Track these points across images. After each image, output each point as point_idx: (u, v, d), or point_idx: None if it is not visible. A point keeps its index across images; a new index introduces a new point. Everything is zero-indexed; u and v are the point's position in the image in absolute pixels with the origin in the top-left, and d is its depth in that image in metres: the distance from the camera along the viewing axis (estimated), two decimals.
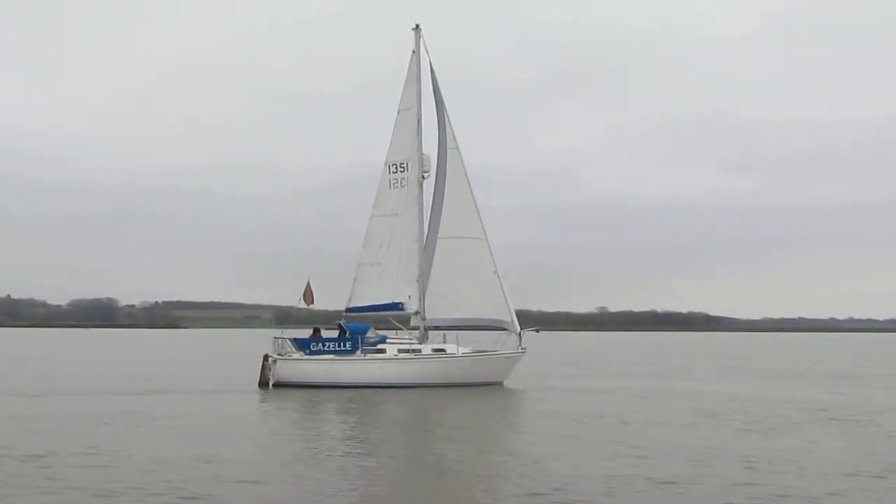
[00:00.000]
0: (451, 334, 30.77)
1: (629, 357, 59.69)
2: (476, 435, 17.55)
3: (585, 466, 13.39)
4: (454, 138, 31.83)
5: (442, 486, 12.02)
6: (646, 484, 12.02)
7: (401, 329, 31.59)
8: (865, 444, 16.42)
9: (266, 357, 29.58)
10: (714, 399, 26.00)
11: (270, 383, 29.05)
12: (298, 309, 31.58)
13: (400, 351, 29.91)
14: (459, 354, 30.12)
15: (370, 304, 31.51)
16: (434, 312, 31.15)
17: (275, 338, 30.22)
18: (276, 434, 17.65)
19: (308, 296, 30.45)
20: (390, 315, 31.73)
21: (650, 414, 21.36)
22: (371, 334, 30.26)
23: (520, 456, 14.92)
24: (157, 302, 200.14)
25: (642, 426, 18.94)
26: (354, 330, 30.20)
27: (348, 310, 31.68)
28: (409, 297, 31.49)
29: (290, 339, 29.96)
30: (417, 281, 31.50)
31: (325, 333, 30.94)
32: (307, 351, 29.74)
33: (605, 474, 12.69)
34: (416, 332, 31.12)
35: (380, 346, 29.95)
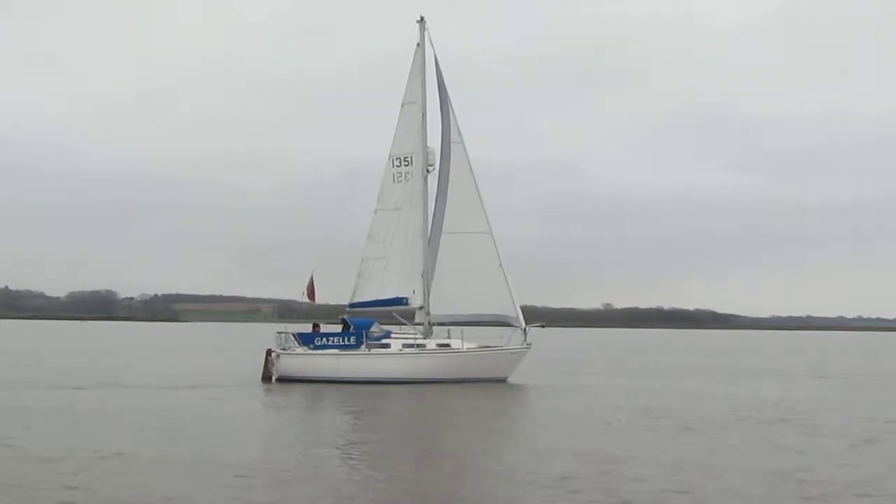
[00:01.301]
0: (455, 330, 30.90)
1: (641, 355, 59.70)
2: (486, 435, 17.45)
3: (598, 466, 13.28)
4: (459, 132, 31.90)
5: (453, 486, 11.89)
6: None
7: (405, 324, 31.72)
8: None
9: (269, 352, 29.76)
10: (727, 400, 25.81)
11: (274, 378, 29.24)
12: (300, 303, 31.78)
13: (404, 346, 30.03)
14: (464, 350, 30.23)
15: (374, 299, 31.66)
16: (438, 308, 31.27)
17: (278, 332, 30.39)
18: (277, 432, 17.61)
19: (310, 292, 30.58)
20: (394, 310, 31.85)
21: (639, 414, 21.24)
22: (375, 329, 30.39)
23: (529, 449, 14.97)
24: (156, 295, 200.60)
25: (631, 425, 18.80)
26: (358, 325, 30.36)
27: (352, 305, 31.82)
28: (414, 291, 31.62)
29: (293, 334, 30.16)
30: (422, 276, 31.63)
31: (324, 329, 31.08)
32: (311, 346, 29.95)
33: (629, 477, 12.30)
34: (421, 327, 31.28)
35: (384, 342, 30.05)
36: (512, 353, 30.90)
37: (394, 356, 29.80)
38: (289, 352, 29.88)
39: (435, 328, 31.29)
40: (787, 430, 18.07)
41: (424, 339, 30.73)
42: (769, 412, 21.36)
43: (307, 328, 30.86)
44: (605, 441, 16.19)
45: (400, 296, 31.63)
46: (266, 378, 29.35)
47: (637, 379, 34.14)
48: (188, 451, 14.38)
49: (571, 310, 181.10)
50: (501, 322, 31.41)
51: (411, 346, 30.05)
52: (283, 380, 28.88)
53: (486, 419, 20.21)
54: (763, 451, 15.10)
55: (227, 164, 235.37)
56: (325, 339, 30.07)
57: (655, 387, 30.13)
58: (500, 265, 31.38)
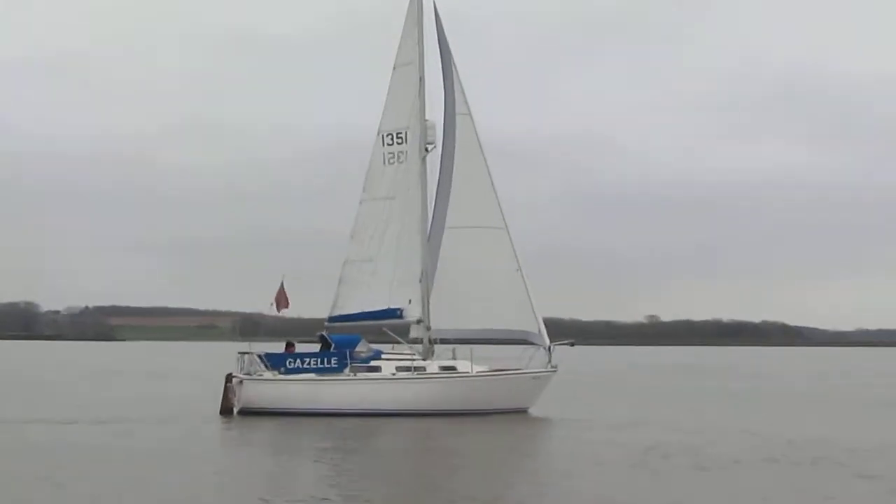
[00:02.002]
0: (462, 348, 31.11)
1: (689, 378, 59.71)
2: (502, 487, 17.19)
3: None
4: (465, 101, 32.04)
5: None
6: None
7: (399, 342, 31.79)
8: None
9: (229, 377, 29.97)
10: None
11: (235, 409, 29.47)
12: (267, 317, 31.99)
13: (398, 369, 30.19)
14: (474, 374, 30.34)
15: (360, 310, 31.83)
16: (441, 321, 31.40)
17: (240, 353, 30.53)
18: (236, 483, 17.45)
19: (281, 299, 30.77)
20: (385, 325, 32.04)
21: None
22: (362, 348, 30.56)
23: None
24: (87, 307, 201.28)
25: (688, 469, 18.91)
26: (341, 343, 30.51)
27: (332, 318, 32.01)
28: (410, 301, 31.74)
29: (259, 355, 30.29)
30: (420, 281, 31.74)
31: (299, 348, 31.28)
32: (282, 369, 30.10)
33: None
34: (419, 345, 31.49)
35: (373, 364, 30.25)
36: (533, 378, 31.05)
37: (385, 382, 29.94)
38: (254, 377, 30.02)
39: (437, 347, 31.52)
40: (820, 473, 18.65)
41: (424, 360, 30.87)
42: (810, 451, 21.78)
43: (277, 347, 31.09)
44: (647, 494, 16.28)
45: (393, 307, 31.72)
46: (226, 410, 29.51)
47: (682, 409, 34.20)
48: None
49: (608, 323, 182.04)
50: (520, 339, 31.62)
51: (407, 369, 30.21)
52: (248, 412, 29.21)
53: (500, 465, 20.22)
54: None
55: (174, 138, 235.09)
56: (299, 360, 30.18)
57: (702, 420, 30.18)
58: (518, 268, 31.55)
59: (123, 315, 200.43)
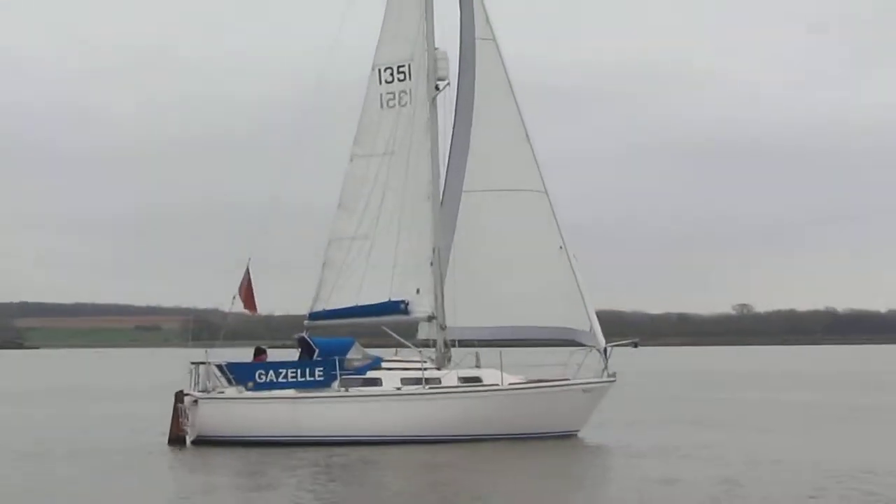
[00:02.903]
0: (488, 353, 31.15)
1: (795, 388, 59.30)
2: None
3: None
4: (488, 21, 32.19)
5: None
6: None
7: (405, 346, 32.14)
8: None
9: (179, 396, 30.23)
10: None
11: (188, 438, 29.82)
12: (228, 315, 32.34)
13: (405, 382, 30.41)
14: (505, 387, 30.50)
15: (351, 304, 32.18)
16: (460, 317, 31.65)
17: (193, 363, 30.84)
18: None
19: (247, 296, 31.10)
20: (386, 323, 32.32)
21: None
22: (356, 355, 30.84)
23: None
24: None
25: None
26: (327, 348, 30.77)
27: (315, 315, 32.35)
28: (418, 291, 32.07)
29: (219, 366, 30.57)
30: (431, 265, 32.05)
31: (272, 356, 31.64)
32: (250, 384, 30.32)
33: None
34: (431, 349, 31.75)
35: (371, 375, 30.49)
36: (584, 392, 31.20)
37: (387, 400, 30.10)
38: (213, 395, 30.25)
39: (454, 351, 31.81)
40: None
41: (438, 369, 31.12)
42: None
43: (243, 356, 31.23)
44: None
45: (395, 298, 32.04)
46: (175, 439, 29.80)
47: (782, 435, 34.15)
48: None
49: (683, 317, 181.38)
50: (565, 340, 31.92)
51: (416, 381, 30.39)
52: (204, 441, 29.50)
53: None
54: None
55: (99, 78, 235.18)
56: (272, 372, 30.41)
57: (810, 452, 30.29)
58: (563, 245, 31.68)
59: (34, 315, 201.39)
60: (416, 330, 32.27)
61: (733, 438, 32.06)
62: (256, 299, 31.42)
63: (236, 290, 31.18)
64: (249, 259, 31.32)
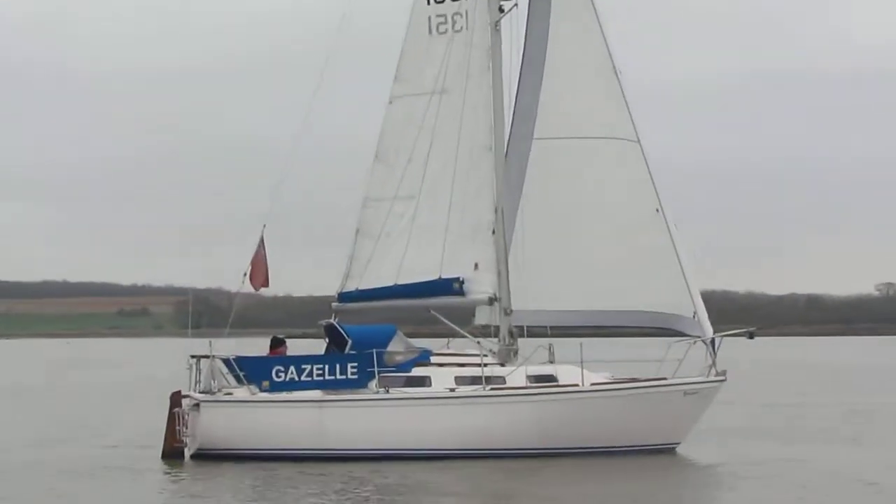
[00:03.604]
0: (563, 344, 31.35)
1: None
2: None
3: None
4: None
5: None
6: None
7: (460, 335, 32.37)
8: None
9: (177, 398, 30.32)
10: None
11: (187, 451, 29.93)
12: (236, 297, 32.81)
13: (459, 382, 30.31)
14: (587, 388, 30.44)
15: (391, 283, 32.36)
16: (530, 299, 31.67)
17: (193, 357, 30.92)
18: None
19: (259, 273, 31.23)
20: (435, 306, 32.44)
21: None
22: (398, 347, 30.88)
23: None
24: None
25: None
26: (363, 338, 30.84)
27: (345, 296, 32.52)
28: (476, 266, 32.06)
29: (227, 360, 30.57)
30: (493, 233, 32.07)
31: (293, 349, 31.69)
32: (266, 384, 30.35)
33: None
34: (493, 340, 31.77)
35: (417, 373, 30.45)
36: (687, 394, 31.03)
37: (438, 404, 30.09)
38: (218, 398, 30.29)
39: (522, 342, 31.83)
40: None
41: (502, 365, 31.01)
42: None
43: (256, 347, 31.46)
44: None
45: (447, 276, 32.05)
46: (171, 452, 29.98)
47: None
48: None
49: (812, 298, 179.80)
50: (662, 328, 32.06)
51: (473, 381, 30.31)
52: (207, 455, 29.67)
53: None
54: None
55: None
56: (293, 369, 30.43)
57: None
58: (659, 208, 31.72)
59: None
60: (473, 315, 32.39)
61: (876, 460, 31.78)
62: (267, 280, 31.67)
63: (247, 266, 31.29)
64: (264, 226, 31.40)
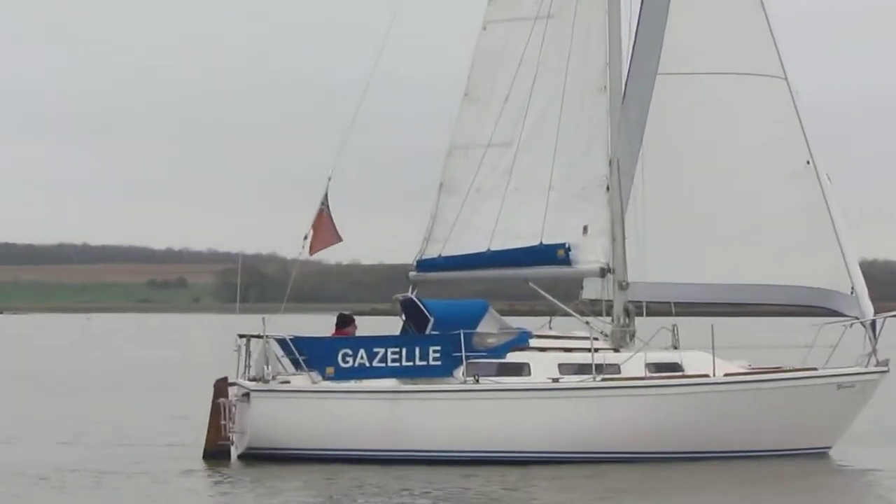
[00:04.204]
0: (688, 325, 31.61)
1: None
2: None
3: None
4: None
5: None
6: None
7: (565, 313, 32.40)
8: None
9: (222, 387, 30.59)
10: None
11: (235, 451, 30.16)
12: (292, 264, 33.48)
13: (564, 370, 30.29)
14: (720, 379, 30.33)
15: (482, 249, 32.41)
16: (651, 270, 31.72)
17: (241, 337, 31.11)
18: None
19: (324, 230, 31.22)
20: (534, 277, 32.46)
21: None
22: (489, 326, 30.86)
23: None
24: None
25: None
26: (446, 316, 30.82)
27: (425, 265, 32.71)
28: (585, 230, 32.05)
29: (282, 341, 30.61)
30: (606, 189, 32.07)
31: (362, 328, 31.98)
32: (331, 369, 30.39)
33: None
34: (605, 319, 31.83)
35: (513, 359, 30.49)
36: (841, 388, 30.83)
37: (539, 397, 30.11)
38: (273, 386, 30.36)
39: (640, 322, 31.95)
40: None
41: (616, 350, 31.06)
42: None
43: (318, 325, 32.07)
44: None
45: (550, 241, 32.02)
46: (215, 451, 30.32)
47: None
48: None
49: None
50: (811, 306, 32.07)
51: (582, 369, 30.36)
52: (257, 454, 29.99)
53: None
54: None
55: None
56: (364, 352, 30.48)
57: None
58: (811, 160, 31.56)
59: (16, 261, 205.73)
60: (581, 289, 32.56)
61: None
62: (339, 235, 31.70)
63: (308, 228, 31.25)
64: (329, 179, 31.39)
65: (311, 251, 31.67)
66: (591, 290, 32.22)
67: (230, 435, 30.13)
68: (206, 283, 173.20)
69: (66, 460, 30.67)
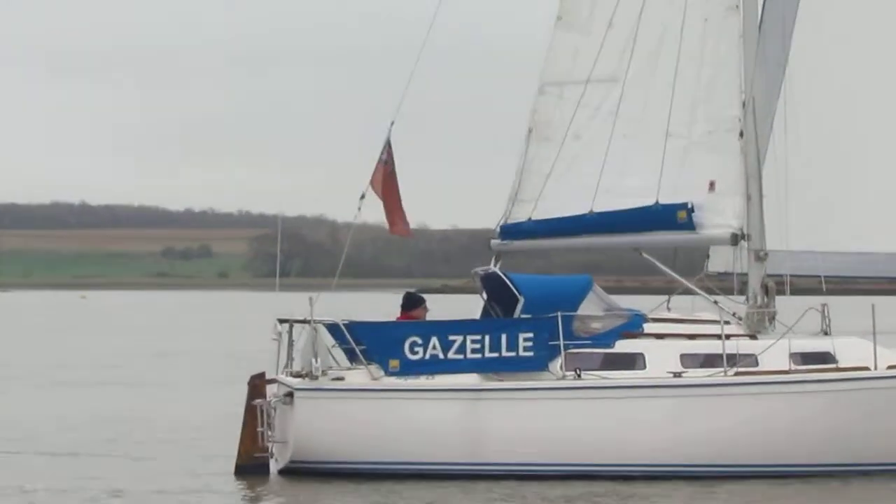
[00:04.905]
0: (843, 305, 31.63)
1: None
2: None
3: None
4: None
5: None
6: None
7: (687, 290, 32.71)
8: None
9: (259, 385, 30.67)
10: None
11: (274, 464, 30.36)
12: (343, 229, 32.96)
13: (687, 362, 30.25)
14: (884, 372, 30.21)
15: (582, 211, 32.40)
16: (795, 236, 31.58)
17: (282, 322, 31.12)
18: None
19: (385, 181, 31.20)
20: (648, 246, 32.67)
21: None
22: (594, 308, 30.90)
23: None
24: None
25: None
26: (539, 295, 30.72)
27: (510, 230, 32.78)
28: (712, 186, 32.04)
29: (333, 327, 30.59)
30: (740, 135, 31.94)
31: (438, 310, 32.15)
32: (396, 362, 30.38)
33: None
34: (739, 299, 31.86)
35: (622, 348, 30.57)
36: None
37: (656, 396, 30.07)
38: (323, 384, 30.30)
39: (781, 301, 31.93)
40: None
41: (752, 336, 30.99)
42: None
43: (378, 306, 31.37)
44: None
45: (668, 200, 32.02)
46: (250, 464, 30.53)
47: None
48: None
49: None
50: None
51: (710, 360, 30.30)
52: (302, 469, 30.28)
53: None
54: None
55: None
56: (437, 341, 30.51)
57: None
58: None
59: (10, 225, 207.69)
60: (707, 260, 32.67)
61: None
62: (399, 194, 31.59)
63: (365, 184, 31.23)
64: (392, 124, 31.19)
65: (393, 229, 31.86)
66: (720, 261, 32.30)
67: (269, 445, 30.12)
68: (236, 252, 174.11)
69: (63, 475, 31.12)
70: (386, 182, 31.09)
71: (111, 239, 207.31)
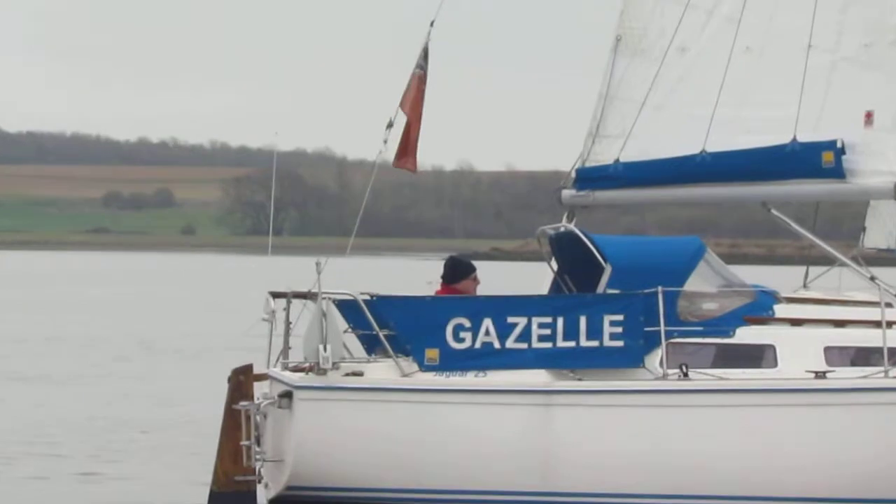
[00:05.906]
0: None
1: None
2: None
3: None
4: None
5: None
6: None
7: (833, 260, 32.88)
8: None
9: (244, 380, 30.57)
10: None
11: (264, 490, 30.39)
12: (363, 170, 33.14)
13: (833, 357, 29.98)
14: None
15: (691, 151, 32.33)
16: None
17: (276, 297, 31.04)
18: None
19: (418, 95, 31.13)
20: (780, 199, 32.66)
21: None
22: (708, 283, 30.83)
23: None
24: None
25: None
26: (631, 263, 30.68)
27: (590, 177, 32.98)
28: (870, 118, 32.03)
29: (347, 304, 30.50)
30: None
31: (490, 283, 32.54)
32: (435, 352, 30.12)
33: None
34: None
35: (745, 338, 30.24)
36: None
37: (792, 403, 29.75)
38: (332, 383, 30.08)
39: None
40: None
41: None
42: None
43: (407, 276, 31.02)
44: None
45: (806, 139, 31.93)
46: (229, 489, 30.43)
47: None
48: None
49: None
50: None
51: (868, 356, 30.04)
52: (299, 498, 30.58)
53: None
54: None
55: None
56: (492, 324, 30.24)
57: None
58: None
59: None
60: (863, 221, 32.96)
61: None
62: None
63: (394, 109, 31.00)
64: (431, 24, 31.03)
65: (400, 160, 31.66)
66: (880, 224, 32.14)
67: (256, 465, 29.94)
68: (206, 200, 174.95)
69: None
70: (417, 99, 30.88)
71: (34, 181, 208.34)
